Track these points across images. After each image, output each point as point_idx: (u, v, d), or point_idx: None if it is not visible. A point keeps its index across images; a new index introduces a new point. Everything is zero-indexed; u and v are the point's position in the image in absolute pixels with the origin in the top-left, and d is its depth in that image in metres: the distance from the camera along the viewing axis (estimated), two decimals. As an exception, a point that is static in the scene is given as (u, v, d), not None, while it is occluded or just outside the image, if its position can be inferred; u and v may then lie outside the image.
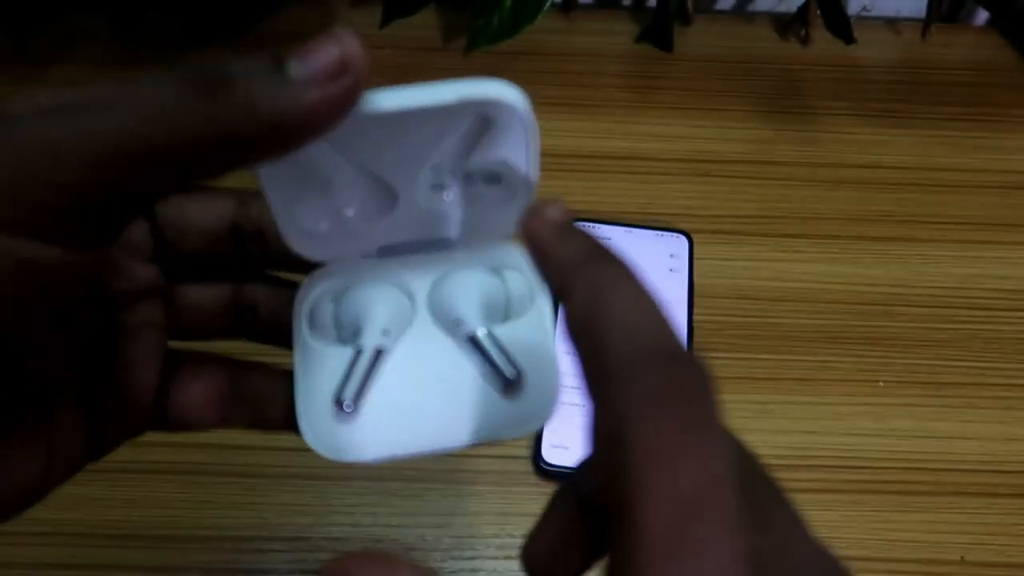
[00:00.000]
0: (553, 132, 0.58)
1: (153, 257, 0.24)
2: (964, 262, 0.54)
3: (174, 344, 0.25)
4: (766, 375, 0.49)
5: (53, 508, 0.22)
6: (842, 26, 0.60)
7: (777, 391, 0.48)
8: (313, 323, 0.24)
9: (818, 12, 0.62)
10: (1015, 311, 0.52)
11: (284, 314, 0.25)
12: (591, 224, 0.53)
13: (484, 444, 0.23)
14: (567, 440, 0.44)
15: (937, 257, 0.54)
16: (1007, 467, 0.46)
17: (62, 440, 0.22)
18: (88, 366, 0.22)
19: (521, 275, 0.25)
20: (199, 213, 0.24)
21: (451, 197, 0.24)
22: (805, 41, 0.65)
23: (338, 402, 0.23)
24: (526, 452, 0.44)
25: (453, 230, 0.24)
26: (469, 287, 0.24)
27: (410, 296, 0.25)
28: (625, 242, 0.52)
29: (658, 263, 0.52)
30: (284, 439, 0.25)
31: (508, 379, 0.23)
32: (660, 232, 0.53)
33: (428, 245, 0.24)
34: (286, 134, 0.17)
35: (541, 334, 0.24)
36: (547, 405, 0.23)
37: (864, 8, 0.67)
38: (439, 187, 0.23)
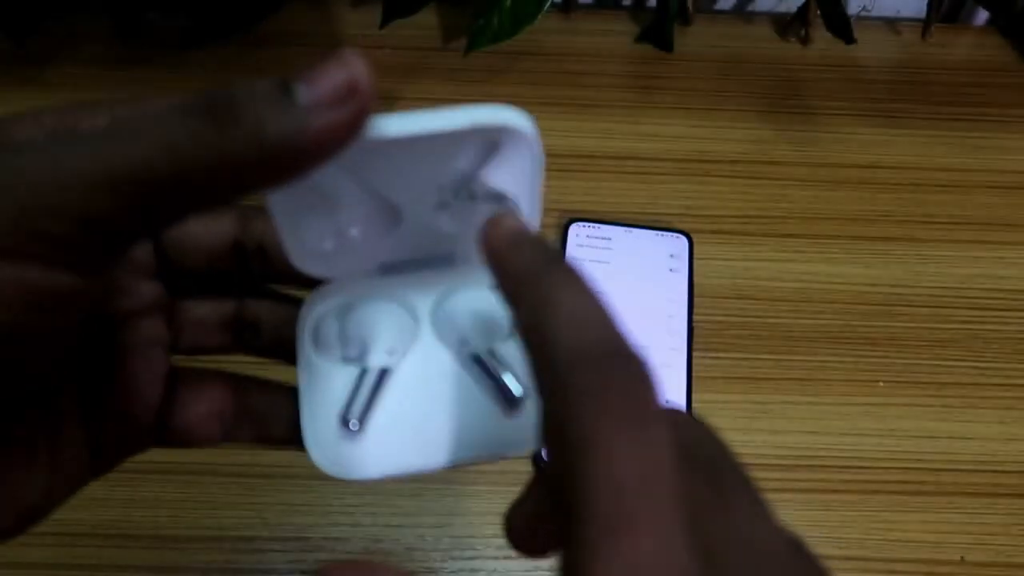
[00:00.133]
0: (553, 132, 0.58)
1: (156, 274, 0.24)
2: (964, 262, 0.54)
3: (177, 360, 0.25)
4: (766, 375, 0.49)
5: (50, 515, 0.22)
6: (842, 26, 0.60)
7: (777, 391, 0.48)
8: (317, 340, 0.24)
9: (818, 12, 0.62)
10: (1015, 311, 0.52)
11: (287, 330, 0.25)
12: (591, 224, 0.53)
13: (487, 461, 0.23)
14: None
15: (937, 257, 0.54)
16: (1007, 467, 0.46)
17: (65, 459, 0.22)
18: (91, 384, 0.22)
19: None
20: (201, 230, 0.24)
21: (455, 216, 0.24)
22: (805, 41, 0.65)
23: (344, 421, 0.23)
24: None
25: (456, 248, 0.24)
26: (473, 305, 0.24)
27: (414, 314, 0.25)
28: (625, 242, 0.52)
29: (658, 263, 0.52)
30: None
31: (513, 397, 0.23)
32: (660, 232, 0.53)
33: (431, 263, 0.25)
34: (294, 160, 0.17)
35: None
36: None
37: (864, 8, 0.67)
38: (443, 206, 0.23)
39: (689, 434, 0.18)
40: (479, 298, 0.25)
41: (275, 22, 0.62)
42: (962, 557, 0.43)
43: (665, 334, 0.49)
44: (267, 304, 0.26)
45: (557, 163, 0.56)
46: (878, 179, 0.57)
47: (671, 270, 0.51)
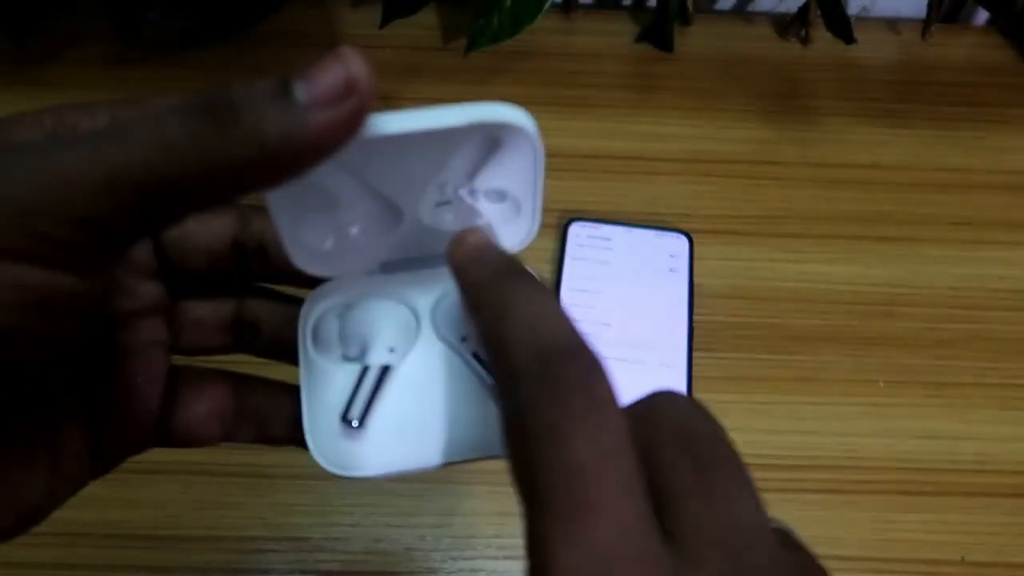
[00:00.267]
0: (553, 132, 0.58)
1: (156, 275, 0.24)
2: (964, 262, 0.54)
3: (177, 360, 0.25)
4: (766, 375, 0.49)
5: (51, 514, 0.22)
6: (842, 26, 0.60)
7: (777, 391, 0.48)
8: (318, 339, 0.24)
9: (818, 12, 0.62)
10: (1015, 311, 0.52)
11: (287, 329, 0.25)
12: (591, 224, 0.53)
13: (488, 459, 0.23)
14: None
15: (937, 257, 0.54)
16: (1007, 467, 0.46)
17: (65, 459, 0.22)
18: (91, 385, 0.22)
19: None
20: (200, 230, 0.24)
21: (455, 214, 0.24)
22: (805, 41, 0.65)
23: (345, 419, 0.23)
24: (526, 452, 0.44)
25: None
26: None
27: (414, 313, 0.25)
28: (625, 242, 0.52)
29: (658, 263, 0.52)
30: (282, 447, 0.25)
31: None
32: (660, 232, 0.53)
33: (431, 261, 0.24)
34: (294, 159, 0.17)
35: None
36: None
37: (864, 8, 0.67)
38: (444, 204, 0.23)
39: (680, 417, 0.18)
40: None
41: (275, 22, 0.62)
42: (962, 557, 0.43)
43: (665, 334, 0.49)
44: (267, 304, 0.26)
45: (557, 163, 0.56)
46: (878, 179, 0.57)
47: (671, 270, 0.51)
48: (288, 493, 0.44)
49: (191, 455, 0.44)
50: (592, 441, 0.15)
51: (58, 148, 0.16)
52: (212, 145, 0.16)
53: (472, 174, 0.22)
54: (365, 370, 0.24)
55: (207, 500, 0.43)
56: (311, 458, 0.23)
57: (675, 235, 0.53)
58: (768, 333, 0.50)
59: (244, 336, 0.26)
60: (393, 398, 0.24)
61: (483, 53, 0.58)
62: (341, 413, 0.23)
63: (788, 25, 0.66)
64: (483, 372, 0.24)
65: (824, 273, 0.53)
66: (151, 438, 0.24)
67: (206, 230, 0.24)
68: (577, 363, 0.16)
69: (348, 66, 0.17)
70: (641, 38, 0.64)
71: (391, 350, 0.24)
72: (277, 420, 0.25)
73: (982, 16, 0.67)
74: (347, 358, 0.24)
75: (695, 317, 0.50)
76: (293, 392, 0.24)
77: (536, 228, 0.24)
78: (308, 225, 0.23)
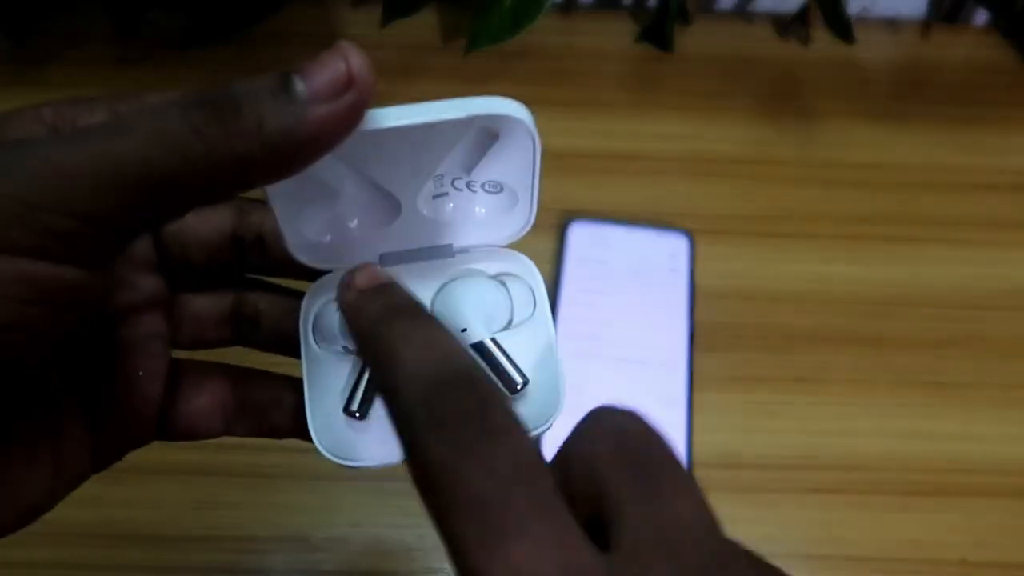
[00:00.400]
0: (553, 132, 0.57)
1: (156, 268, 0.24)
2: (964, 262, 0.54)
3: (178, 354, 0.25)
4: (766, 375, 0.49)
5: (54, 507, 0.22)
6: (842, 26, 0.60)
7: (777, 391, 0.48)
8: (319, 332, 0.25)
9: (818, 12, 0.62)
10: (1015, 311, 0.52)
11: (287, 322, 0.25)
12: (591, 223, 0.53)
13: None
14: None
15: (937, 257, 0.54)
16: (1007, 467, 0.46)
17: (67, 455, 0.22)
18: (92, 380, 0.22)
19: (522, 282, 0.25)
20: (199, 223, 0.24)
21: (453, 206, 0.24)
22: (805, 41, 0.65)
23: (348, 411, 0.23)
24: (526, 452, 0.44)
25: (454, 238, 0.25)
26: (473, 295, 0.25)
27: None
28: (625, 242, 0.52)
29: (658, 263, 0.52)
30: (284, 439, 0.25)
31: (513, 384, 0.23)
32: (660, 232, 0.53)
33: (430, 253, 0.25)
34: (295, 153, 0.17)
35: (543, 340, 0.24)
36: (551, 409, 0.23)
37: (864, 8, 0.67)
38: (442, 196, 0.24)
39: (617, 428, 0.18)
40: (478, 287, 0.25)
41: (275, 22, 0.62)
42: (962, 558, 0.43)
43: (665, 334, 0.49)
44: (266, 296, 0.26)
45: (557, 163, 0.56)
46: (878, 179, 0.57)
47: (671, 270, 0.51)
48: (288, 493, 0.44)
49: (191, 455, 0.44)
50: (488, 472, 0.15)
51: (59, 143, 0.16)
52: (213, 140, 0.16)
53: (470, 166, 0.23)
54: (366, 361, 0.24)
55: (207, 500, 0.43)
56: (312, 454, 0.23)
57: (675, 235, 0.53)
58: (768, 333, 0.50)
59: (244, 329, 0.26)
60: None
61: (483, 53, 0.58)
62: (343, 404, 0.23)
63: (788, 25, 0.65)
64: (482, 363, 0.24)
65: (824, 273, 0.53)
66: (152, 432, 0.24)
67: (205, 223, 0.24)
68: (465, 394, 0.16)
69: (347, 60, 0.17)
70: (641, 38, 0.64)
71: None
72: (278, 412, 0.25)
73: (982, 16, 0.67)
74: (348, 350, 0.24)
75: (695, 317, 0.50)
76: (294, 384, 0.24)
77: (532, 219, 0.24)
78: (307, 218, 0.23)
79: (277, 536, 0.43)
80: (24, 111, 0.20)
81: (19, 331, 0.17)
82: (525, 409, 0.23)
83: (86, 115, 0.21)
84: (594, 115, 0.60)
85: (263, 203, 0.22)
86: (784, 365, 0.49)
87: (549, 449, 0.17)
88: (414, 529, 0.42)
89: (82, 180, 0.16)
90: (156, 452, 0.25)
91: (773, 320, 0.51)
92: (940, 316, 0.52)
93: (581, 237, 0.52)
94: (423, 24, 0.63)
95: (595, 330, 0.49)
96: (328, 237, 0.24)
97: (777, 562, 0.16)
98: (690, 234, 0.53)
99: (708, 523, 0.16)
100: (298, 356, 0.25)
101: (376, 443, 0.23)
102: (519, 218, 0.24)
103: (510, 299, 0.25)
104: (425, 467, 0.16)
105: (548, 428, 0.23)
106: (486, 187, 0.24)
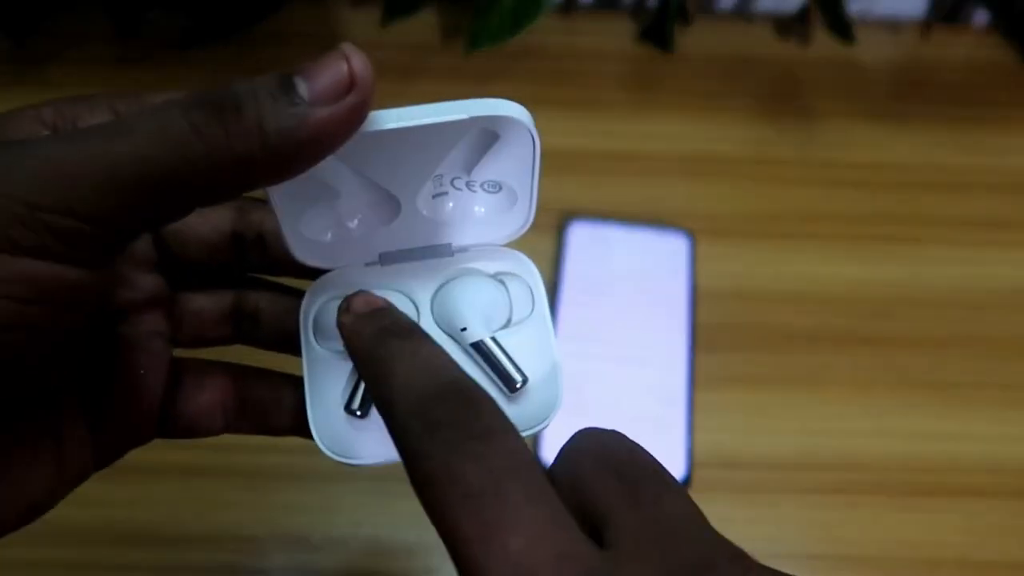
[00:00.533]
0: (553, 132, 0.57)
1: (156, 267, 0.24)
2: (964, 262, 0.54)
3: (179, 352, 0.25)
4: (766, 375, 0.49)
5: (54, 507, 0.22)
6: (842, 26, 0.60)
7: (777, 391, 0.48)
8: (319, 330, 0.25)
9: (818, 12, 0.62)
10: (1015, 311, 0.52)
11: (287, 320, 0.25)
12: (592, 223, 0.53)
13: None
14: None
15: (937, 257, 0.54)
16: (1007, 467, 0.46)
17: (68, 453, 0.22)
18: (93, 378, 0.22)
19: (521, 281, 0.25)
20: (200, 222, 0.24)
21: (452, 205, 0.24)
22: (805, 41, 0.65)
23: (349, 409, 0.23)
24: (526, 452, 0.44)
25: (454, 237, 0.25)
26: (472, 294, 0.25)
27: (414, 303, 0.25)
28: (626, 241, 0.52)
29: (658, 263, 0.52)
30: (284, 439, 0.26)
31: (513, 383, 0.23)
32: (660, 232, 0.53)
33: (429, 252, 0.25)
34: (296, 154, 0.17)
35: (542, 338, 0.24)
36: (549, 408, 0.23)
37: (864, 9, 0.67)
38: (441, 195, 0.24)
39: (599, 445, 0.19)
40: (478, 286, 0.25)
41: (275, 22, 0.62)
42: (962, 557, 0.43)
43: (665, 334, 0.49)
44: (267, 295, 0.26)
45: (557, 163, 0.56)
46: (878, 179, 0.57)
47: (671, 270, 0.51)
48: (288, 493, 0.44)
49: (191, 455, 0.44)
50: (482, 467, 0.16)
51: (60, 143, 0.16)
52: (214, 140, 0.16)
53: (469, 166, 0.23)
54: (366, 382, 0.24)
55: (207, 500, 0.43)
56: (312, 454, 0.23)
57: (675, 235, 0.53)
58: (768, 333, 0.50)
59: (244, 327, 0.26)
60: None
61: (483, 53, 0.58)
62: (344, 403, 0.24)
63: (788, 25, 0.66)
64: (481, 361, 0.24)
65: (824, 273, 0.53)
66: (153, 430, 0.24)
67: (205, 222, 0.24)
68: (454, 402, 0.17)
69: (349, 62, 0.17)
70: (641, 38, 0.64)
71: None
72: (279, 411, 0.25)
73: (982, 16, 0.67)
74: None
75: (695, 317, 0.50)
76: (294, 383, 0.25)
77: (531, 218, 0.24)
78: (308, 217, 0.23)
79: (277, 536, 0.43)
80: (24, 111, 0.20)
81: (20, 330, 0.17)
82: (524, 407, 0.23)
83: (86, 114, 0.21)
84: (594, 115, 0.60)
85: (263, 202, 0.22)
86: (784, 365, 0.49)
87: (550, 445, 0.18)
88: (414, 529, 0.42)
89: (83, 180, 0.16)
90: (156, 452, 0.25)
91: (773, 320, 0.51)
92: (940, 316, 0.52)
93: (581, 237, 0.52)
94: (423, 24, 0.63)
95: (595, 330, 0.49)
96: (328, 236, 0.24)
97: (776, 562, 0.16)
98: (690, 234, 0.53)
99: (698, 522, 0.17)
100: (299, 354, 0.25)
101: (376, 441, 0.23)
102: (518, 217, 0.24)
103: (509, 298, 0.25)
104: (422, 470, 0.16)
105: (546, 426, 0.23)
106: (485, 187, 0.24)
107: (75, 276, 0.17)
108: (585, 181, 0.56)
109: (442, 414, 0.17)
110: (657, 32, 0.63)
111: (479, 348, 0.24)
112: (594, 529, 0.16)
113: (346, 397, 0.24)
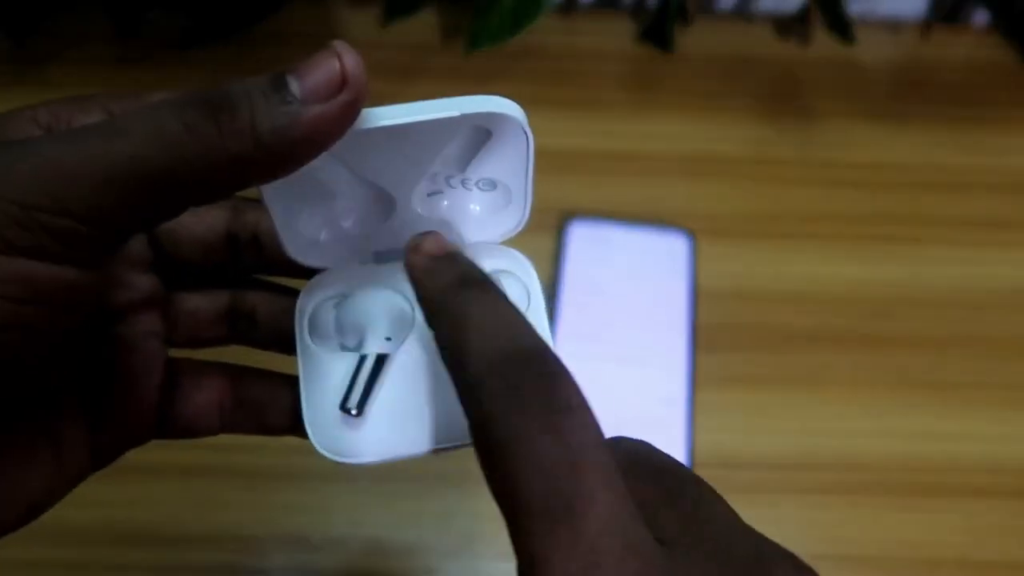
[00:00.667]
0: (553, 132, 0.57)
1: (151, 267, 0.24)
2: (964, 262, 0.54)
3: (175, 352, 0.25)
4: (766, 375, 0.49)
5: (53, 508, 0.22)
6: (842, 26, 0.60)
7: (777, 391, 0.48)
8: (315, 330, 0.25)
9: (818, 12, 0.62)
10: (1015, 311, 0.52)
11: (283, 320, 0.25)
12: (592, 223, 0.53)
13: None
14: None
15: (937, 257, 0.54)
16: (1007, 467, 0.46)
17: (66, 454, 0.22)
18: (90, 379, 0.23)
19: (517, 279, 0.25)
20: (194, 222, 0.24)
21: (447, 203, 0.24)
22: (805, 41, 0.65)
23: (345, 408, 0.23)
24: (526, 452, 0.44)
25: (449, 235, 0.25)
26: None
27: (409, 302, 0.25)
28: (626, 241, 0.52)
29: (658, 263, 0.52)
30: (284, 439, 0.26)
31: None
32: (660, 232, 0.53)
33: None
34: (290, 152, 0.17)
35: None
36: None
37: (864, 9, 0.67)
38: (436, 194, 0.24)
39: (632, 450, 0.18)
40: None
41: (275, 22, 0.62)
42: (962, 557, 0.43)
43: (665, 334, 0.49)
44: (262, 295, 0.26)
45: (557, 162, 0.56)
46: (878, 179, 0.57)
47: (671, 270, 0.51)
48: (288, 493, 0.44)
49: (190, 455, 0.44)
50: (561, 442, 0.15)
51: (55, 143, 0.17)
52: (208, 139, 0.16)
53: (464, 164, 0.23)
54: (362, 359, 0.24)
55: (207, 500, 0.43)
56: (311, 454, 0.23)
57: (675, 235, 0.53)
58: (768, 333, 0.50)
59: (240, 327, 0.26)
60: (391, 386, 0.24)
61: (483, 53, 0.58)
62: (340, 402, 0.24)
63: (788, 25, 0.66)
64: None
65: (824, 273, 0.53)
66: (151, 430, 0.24)
67: (200, 222, 0.24)
68: (536, 369, 0.17)
69: (341, 60, 0.17)
70: (641, 38, 0.64)
71: (387, 339, 0.24)
72: (275, 410, 0.25)
73: (982, 16, 0.67)
74: (344, 347, 0.25)
75: (695, 317, 0.50)
76: (290, 382, 0.25)
77: (527, 216, 0.24)
78: (303, 216, 0.23)
79: (277, 536, 0.43)
80: (21, 112, 0.20)
81: (16, 331, 0.17)
82: None
83: (81, 114, 0.21)
84: (594, 115, 0.60)
85: (258, 202, 0.22)
86: (784, 365, 0.49)
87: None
88: (414, 529, 0.42)
89: (78, 180, 0.16)
90: (156, 452, 0.25)
91: (773, 320, 0.51)
92: (940, 316, 0.52)
93: (581, 237, 0.52)
94: (423, 24, 0.63)
95: (595, 330, 0.49)
96: (323, 235, 0.24)
97: (777, 562, 0.16)
98: (690, 234, 0.53)
99: (743, 524, 0.17)
100: (294, 354, 0.25)
101: (372, 440, 0.23)
102: (513, 215, 0.24)
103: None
104: (494, 436, 0.16)
105: None
106: (480, 185, 0.24)
107: (71, 276, 0.17)
108: (585, 181, 0.56)
109: (521, 379, 0.16)
110: (657, 32, 0.63)
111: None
112: None
113: (341, 396, 0.24)
